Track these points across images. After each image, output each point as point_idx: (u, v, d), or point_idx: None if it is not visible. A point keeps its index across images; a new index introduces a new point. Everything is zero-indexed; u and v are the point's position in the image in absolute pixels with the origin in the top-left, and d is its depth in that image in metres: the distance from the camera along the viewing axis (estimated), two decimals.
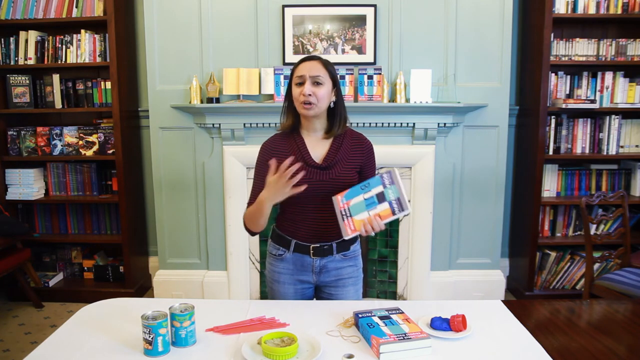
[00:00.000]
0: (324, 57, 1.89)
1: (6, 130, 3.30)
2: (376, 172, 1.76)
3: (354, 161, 1.71)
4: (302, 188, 1.54)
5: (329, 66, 1.66)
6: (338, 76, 1.70)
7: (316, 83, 1.62)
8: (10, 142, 3.30)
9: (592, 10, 3.04)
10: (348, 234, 1.56)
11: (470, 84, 3.07)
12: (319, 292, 1.81)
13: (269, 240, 1.82)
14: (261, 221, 1.63)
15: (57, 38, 3.16)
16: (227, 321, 1.51)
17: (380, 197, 1.54)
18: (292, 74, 1.68)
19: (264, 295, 3.27)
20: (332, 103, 1.68)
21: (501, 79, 3.07)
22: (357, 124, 2.98)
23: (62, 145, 3.31)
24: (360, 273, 1.82)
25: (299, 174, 1.51)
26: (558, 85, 3.16)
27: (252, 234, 1.72)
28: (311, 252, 1.71)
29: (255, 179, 1.71)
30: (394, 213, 1.53)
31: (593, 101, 3.09)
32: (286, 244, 1.74)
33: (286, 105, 1.73)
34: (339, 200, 1.57)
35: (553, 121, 3.15)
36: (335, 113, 1.70)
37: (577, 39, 3.11)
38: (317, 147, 1.70)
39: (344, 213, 1.56)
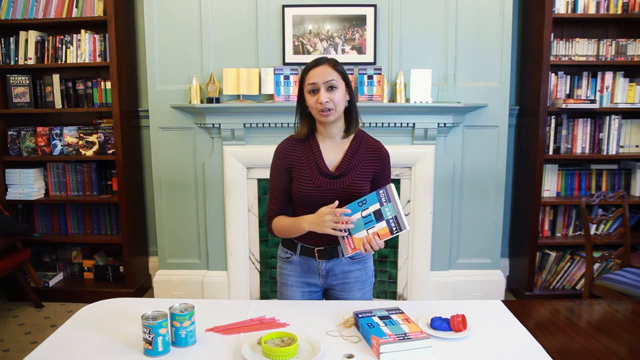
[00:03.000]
0: (323, 56, 1.88)
1: (6, 130, 3.30)
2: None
3: (367, 170, 1.68)
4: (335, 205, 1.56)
5: (338, 67, 1.63)
6: (347, 74, 1.67)
7: (330, 88, 1.60)
8: (10, 142, 3.30)
9: (592, 10, 3.04)
10: (348, 253, 1.57)
11: (470, 84, 3.07)
12: (326, 295, 1.81)
13: (280, 245, 1.82)
14: (295, 235, 1.68)
15: (57, 38, 3.16)
16: (227, 321, 1.51)
17: (378, 216, 1.52)
18: (302, 80, 1.65)
19: (264, 295, 3.27)
20: (346, 102, 1.66)
21: (501, 79, 3.07)
22: None
23: (62, 145, 3.31)
24: (369, 277, 1.80)
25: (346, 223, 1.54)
26: (558, 85, 3.16)
27: (276, 236, 1.76)
28: (316, 254, 1.71)
29: (273, 183, 1.72)
30: (392, 232, 1.52)
31: (593, 101, 3.09)
32: (293, 247, 1.74)
33: (299, 111, 1.70)
34: None
35: (553, 121, 3.15)
36: (352, 112, 1.68)
37: (577, 39, 3.11)
38: (332, 152, 1.68)
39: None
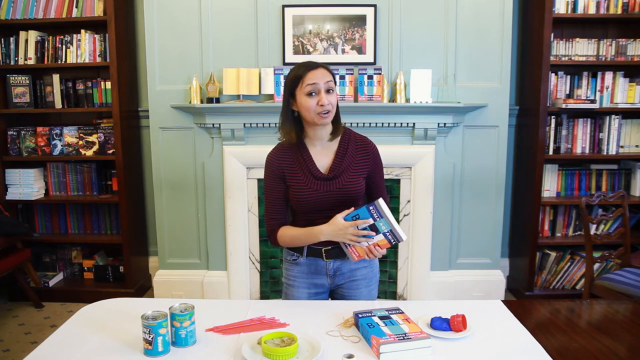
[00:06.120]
0: (324, 57, 1.88)
1: (6, 130, 3.30)
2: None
3: (360, 168, 1.69)
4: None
5: (331, 71, 1.65)
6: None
7: (328, 91, 1.60)
8: (10, 142, 3.30)
9: (592, 10, 3.04)
10: (354, 259, 1.61)
11: (470, 84, 3.07)
12: (333, 294, 1.81)
13: (284, 247, 1.81)
14: (303, 245, 1.70)
15: (57, 38, 3.16)
16: (227, 321, 1.51)
17: (374, 229, 1.54)
18: (296, 83, 1.61)
19: (264, 295, 3.27)
20: None
21: (501, 79, 3.07)
22: (357, 124, 2.98)
23: (62, 145, 3.31)
24: (375, 274, 1.82)
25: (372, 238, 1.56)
26: (558, 85, 3.16)
27: (281, 247, 1.76)
28: (324, 255, 1.71)
29: (270, 193, 1.71)
30: (390, 243, 1.56)
31: (593, 101, 3.09)
32: (299, 249, 1.74)
33: (287, 116, 1.66)
34: None
35: (553, 121, 3.15)
36: (337, 114, 1.69)
37: (577, 39, 3.11)
38: (322, 156, 1.69)
39: (344, 242, 1.59)
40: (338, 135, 1.69)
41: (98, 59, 3.17)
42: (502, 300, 1.71)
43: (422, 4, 3.01)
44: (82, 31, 3.15)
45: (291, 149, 1.69)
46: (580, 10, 3.04)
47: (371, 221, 1.53)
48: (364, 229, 1.54)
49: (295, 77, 1.61)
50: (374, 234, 1.54)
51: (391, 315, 1.47)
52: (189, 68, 3.08)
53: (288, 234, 1.68)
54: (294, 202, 1.68)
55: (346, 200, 1.64)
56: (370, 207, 1.53)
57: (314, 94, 1.59)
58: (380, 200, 1.53)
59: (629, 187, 3.27)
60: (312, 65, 1.61)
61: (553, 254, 3.26)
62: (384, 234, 1.54)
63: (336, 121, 1.69)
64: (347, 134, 1.72)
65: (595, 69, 3.17)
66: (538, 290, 3.30)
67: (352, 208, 1.58)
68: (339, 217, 1.56)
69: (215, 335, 1.45)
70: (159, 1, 3.04)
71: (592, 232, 2.99)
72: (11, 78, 3.21)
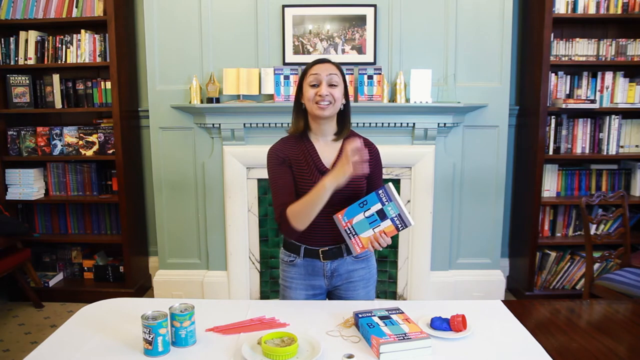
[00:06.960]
0: (326, 57, 1.89)
1: (6, 130, 3.30)
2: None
3: None
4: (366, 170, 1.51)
5: (340, 68, 1.68)
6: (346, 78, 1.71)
7: (331, 85, 1.62)
8: (10, 142, 3.30)
9: (592, 10, 3.04)
10: (357, 252, 1.59)
11: (470, 84, 3.07)
12: (330, 296, 1.81)
13: (281, 248, 1.81)
14: (317, 210, 1.56)
15: (57, 38, 3.16)
16: (227, 321, 1.51)
17: (382, 215, 1.54)
18: (303, 75, 1.67)
19: (264, 295, 3.27)
20: (342, 105, 1.69)
21: (501, 79, 3.07)
22: (357, 124, 2.98)
23: (62, 145, 3.31)
24: (372, 274, 1.82)
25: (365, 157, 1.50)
26: (558, 85, 3.16)
27: (294, 233, 1.62)
28: (321, 255, 1.71)
29: (277, 180, 1.66)
30: (397, 229, 1.55)
31: (593, 101, 3.09)
32: (296, 250, 1.73)
33: (296, 108, 1.71)
34: (341, 219, 1.57)
35: (553, 121, 3.15)
36: (345, 115, 1.71)
37: (577, 39, 3.11)
38: (327, 151, 1.70)
39: (348, 232, 1.58)
40: (343, 136, 1.71)
41: (98, 59, 3.17)
42: (502, 300, 1.71)
43: (422, 4, 3.01)
44: (82, 31, 3.15)
45: (296, 142, 1.70)
46: (580, 10, 3.04)
47: (379, 206, 1.53)
48: (371, 215, 1.54)
49: (304, 71, 1.68)
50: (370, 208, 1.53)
51: (391, 315, 1.47)
52: (189, 68, 3.08)
53: (295, 207, 1.59)
54: (296, 196, 1.67)
55: (349, 197, 1.64)
56: (380, 191, 1.54)
57: (316, 85, 1.63)
58: (390, 184, 1.54)
59: (629, 187, 3.27)
60: (319, 60, 1.68)
61: (553, 254, 3.26)
62: (392, 219, 1.54)
63: (342, 121, 1.71)
64: (351, 135, 1.74)
65: (595, 69, 3.17)
66: (538, 290, 3.30)
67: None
68: (343, 156, 1.51)
69: (215, 335, 1.44)
70: (159, 1, 3.04)
71: (592, 232, 2.99)
72: (11, 78, 3.21)
